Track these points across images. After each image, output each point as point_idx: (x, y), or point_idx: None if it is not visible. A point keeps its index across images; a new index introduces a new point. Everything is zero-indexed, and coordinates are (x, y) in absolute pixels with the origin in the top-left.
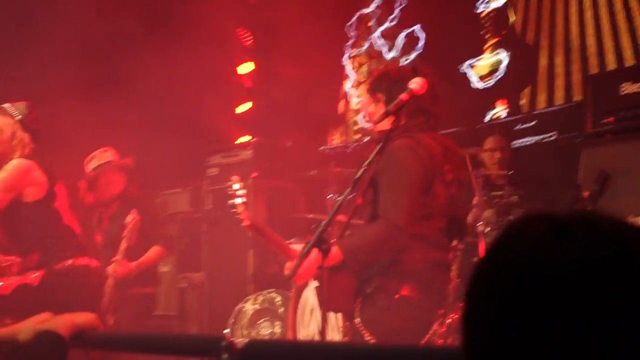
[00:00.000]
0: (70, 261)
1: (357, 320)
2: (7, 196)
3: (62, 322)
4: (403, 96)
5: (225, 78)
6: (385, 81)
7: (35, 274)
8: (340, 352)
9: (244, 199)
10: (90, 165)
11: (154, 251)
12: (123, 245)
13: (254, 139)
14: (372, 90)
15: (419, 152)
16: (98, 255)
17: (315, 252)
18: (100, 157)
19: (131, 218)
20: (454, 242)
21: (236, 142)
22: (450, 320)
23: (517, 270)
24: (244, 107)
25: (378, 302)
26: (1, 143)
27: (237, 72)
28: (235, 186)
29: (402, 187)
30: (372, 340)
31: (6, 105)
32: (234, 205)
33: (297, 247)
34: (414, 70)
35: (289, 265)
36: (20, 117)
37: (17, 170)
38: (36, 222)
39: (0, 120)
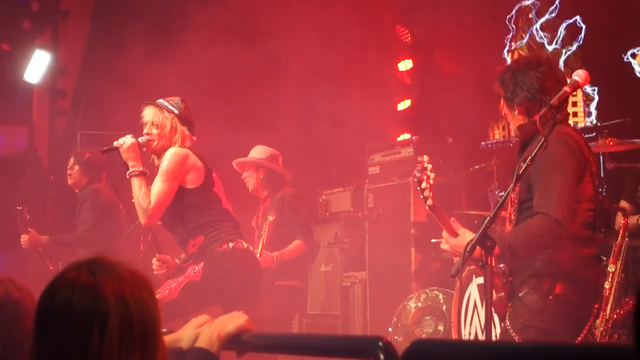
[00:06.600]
0: (231, 244)
1: (508, 324)
2: (174, 185)
3: (215, 333)
4: (567, 88)
5: (385, 76)
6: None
7: (196, 269)
8: (505, 352)
9: (431, 180)
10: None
11: (294, 244)
12: (261, 241)
13: (415, 137)
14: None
15: (571, 145)
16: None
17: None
18: (252, 152)
19: (269, 219)
20: (600, 234)
21: (397, 139)
22: (616, 316)
23: None
24: (404, 105)
25: (531, 306)
26: (161, 137)
27: (397, 69)
28: (427, 165)
29: (560, 181)
30: None
31: (161, 101)
32: (420, 181)
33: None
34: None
35: (445, 235)
36: (177, 111)
37: (177, 158)
38: (199, 207)
39: (160, 115)
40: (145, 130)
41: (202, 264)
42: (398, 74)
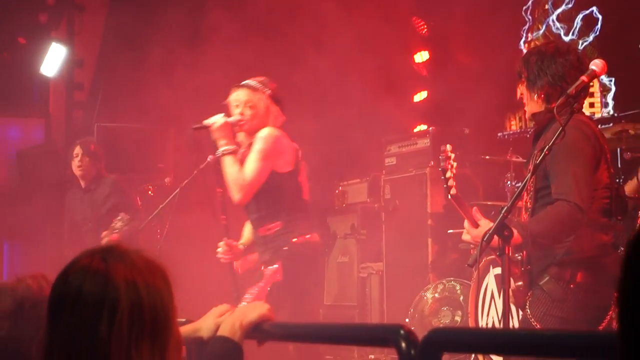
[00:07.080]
0: (307, 236)
1: (528, 312)
2: (268, 165)
3: (237, 322)
4: (584, 78)
5: (402, 67)
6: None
7: (274, 269)
8: (522, 340)
9: (454, 169)
10: None
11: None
12: None
13: (431, 128)
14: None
15: (586, 132)
16: None
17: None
18: None
19: None
20: (615, 221)
21: (414, 131)
22: None
23: None
24: (420, 96)
25: (553, 295)
26: (255, 118)
27: (413, 61)
28: (451, 154)
29: (577, 167)
30: None
31: (251, 82)
32: (444, 170)
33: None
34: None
35: (467, 225)
36: (269, 91)
37: (273, 139)
38: (284, 192)
39: (254, 96)
40: (237, 111)
41: (278, 263)
42: (414, 66)
